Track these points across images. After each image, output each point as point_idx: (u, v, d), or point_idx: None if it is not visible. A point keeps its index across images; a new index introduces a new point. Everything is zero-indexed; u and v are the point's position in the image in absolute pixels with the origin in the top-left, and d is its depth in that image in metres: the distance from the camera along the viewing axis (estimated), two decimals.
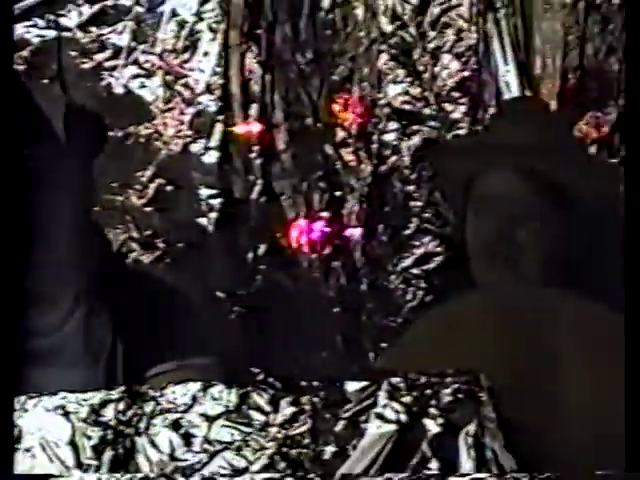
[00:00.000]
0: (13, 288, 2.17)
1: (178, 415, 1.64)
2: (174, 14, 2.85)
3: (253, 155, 2.87)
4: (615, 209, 2.44)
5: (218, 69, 2.85)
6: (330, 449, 1.61)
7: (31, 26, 2.85)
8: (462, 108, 2.89)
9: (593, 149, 2.86)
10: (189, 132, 2.86)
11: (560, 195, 2.33)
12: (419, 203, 2.88)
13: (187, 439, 1.63)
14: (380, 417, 1.62)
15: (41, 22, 2.86)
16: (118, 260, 2.58)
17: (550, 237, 2.34)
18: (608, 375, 1.97)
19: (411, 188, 2.88)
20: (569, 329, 2.08)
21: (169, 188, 2.88)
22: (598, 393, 1.98)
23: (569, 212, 2.35)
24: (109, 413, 1.64)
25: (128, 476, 1.60)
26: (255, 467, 1.60)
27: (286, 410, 1.63)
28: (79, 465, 1.61)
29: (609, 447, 1.87)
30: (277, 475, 1.59)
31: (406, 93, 2.89)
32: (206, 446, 1.63)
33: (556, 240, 2.34)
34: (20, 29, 2.85)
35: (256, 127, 2.87)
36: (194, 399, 1.65)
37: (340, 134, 2.90)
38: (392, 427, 1.61)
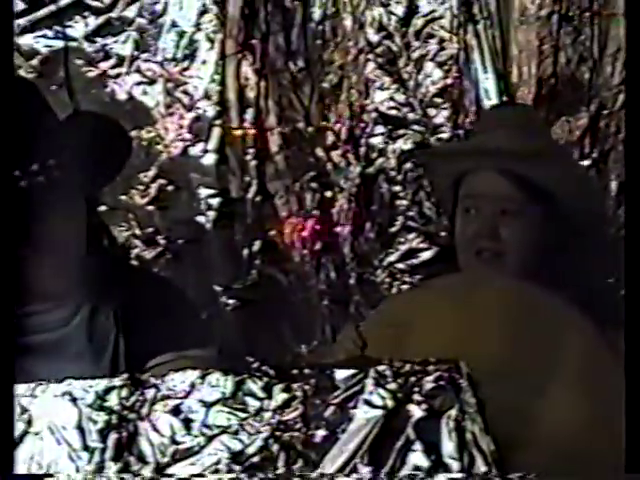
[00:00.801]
0: (22, 287, 2.17)
1: (178, 401, 1.64)
2: (174, 25, 2.85)
3: (248, 157, 2.87)
4: (591, 207, 2.44)
5: (215, 76, 2.85)
6: (320, 433, 1.61)
7: (40, 37, 2.84)
8: (444, 113, 2.89)
9: None
10: (188, 136, 2.86)
11: (541, 195, 2.34)
12: (404, 202, 2.88)
13: (186, 423, 1.62)
14: (367, 403, 1.61)
15: (49, 33, 2.85)
16: (121, 259, 2.57)
17: (532, 233, 2.35)
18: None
19: (397, 188, 2.89)
20: (534, 319, 2.06)
21: (170, 188, 2.88)
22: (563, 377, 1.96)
23: (549, 210, 2.35)
24: (113, 399, 1.64)
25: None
26: (250, 450, 1.60)
27: (279, 396, 1.63)
28: (85, 448, 1.61)
29: (588, 431, 1.87)
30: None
31: (392, 99, 2.89)
32: (204, 430, 1.62)
33: (537, 235, 2.35)
34: (29, 39, 2.84)
35: (251, 131, 2.87)
36: (193, 386, 1.64)
37: (330, 137, 2.90)
38: (379, 412, 1.61)
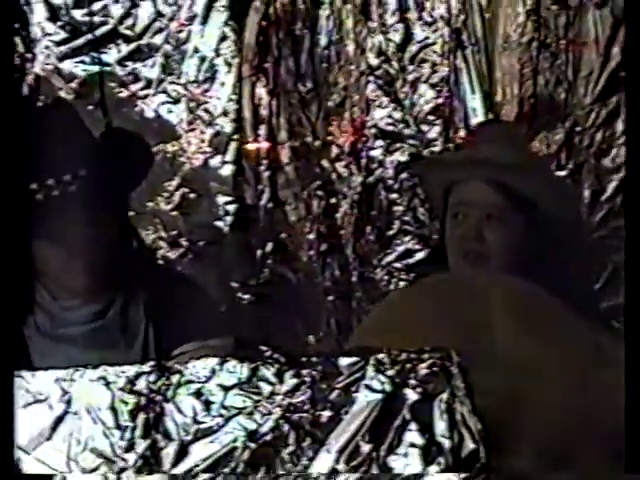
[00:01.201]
0: (62, 284, 2.18)
1: (199, 385, 1.63)
2: (196, 51, 2.85)
3: (262, 168, 2.87)
4: (567, 212, 2.44)
5: (233, 96, 2.85)
6: (326, 414, 1.60)
7: (78, 62, 2.85)
8: (436, 129, 2.88)
9: None
10: (208, 149, 2.86)
11: (524, 202, 2.33)
12: (401, 208, 2.88)
13: (207, 405, 1.62)
14: (368, 387, 1.61)
15: (87, 59, 2.85)
16: (150, 258, 2.57)
17: (515, 237, 2.34)
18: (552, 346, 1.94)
19: (394, 196, 2.88)
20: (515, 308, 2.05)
21: (192, 196, 2.88)
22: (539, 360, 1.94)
23: (530, 215, 2.35)
24: (142, 383, 1.63)
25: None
26: (263, 429, 1.60)
27: (289, 381, 1.62)
28: (118, 426, 1.61)
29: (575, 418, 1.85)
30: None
31: (389, 116, 2.89)
32: (222, 411, 1.62)
33: (520, 239, 2.34)
34: (69, 65, 2.85)
35: (264, 145, 2.87)
36: (213, 372, 1.63)
37: (334, 150, 2.90)
38: (378, 396, 1.60)
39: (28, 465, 1.60)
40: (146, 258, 2.48)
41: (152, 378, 1.64)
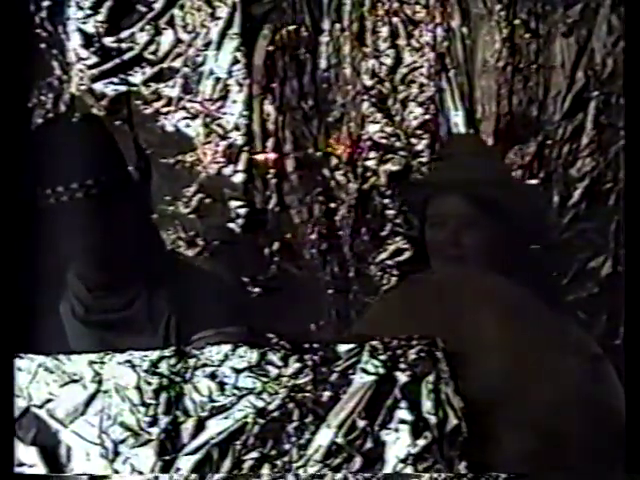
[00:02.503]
0: (96, 277, 2.18)
1: (214, 368, 1.63)
2: (211, 72, 2.84)
3: (269, 176, 2.86)
4: (535, 218, 2.42)
5: (244, 113, 2.84)
6: (326, 394, 1.61)
7: (108, 83, 2.84)
8: (424, 142, 2.88)
9: (519, 172, 2.86)
10: (222, 159, 2.85)
11: (496, 209, 2.32)
12: (392, 212, 2.87)
13: (221, 386, 1.62)
14: (363, 370, 1.61)
15: (115, 80, 2.85)
16: (171, 255, 2.57)
17: (489, 239, 2.32)
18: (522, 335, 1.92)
19: (386, 201, 2.88)
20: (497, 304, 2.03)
21: (207, 200, 2.87)
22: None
23: (502, 221, 2.33)
24: (163, 366, 1.63)
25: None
26: (271, 407, 1.60)
27: (294, 365, 1.63)
28: (143, 403, 1.61)
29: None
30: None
31: (382, 131, 2.89)
32: (235, 391, 1.62)
33: (494, 241, 2.33)
34: (100, 85, 2.84)
35: (272, 155, 2.86)
36: (226, 356, 1.63)
37: (334, 161, 2.89)
38: (372, 378, 1.61)
39: (65, 436, 1.60)
40: (169, 256, 2.47)
41: (172, 361, 1.64)
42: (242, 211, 2.85)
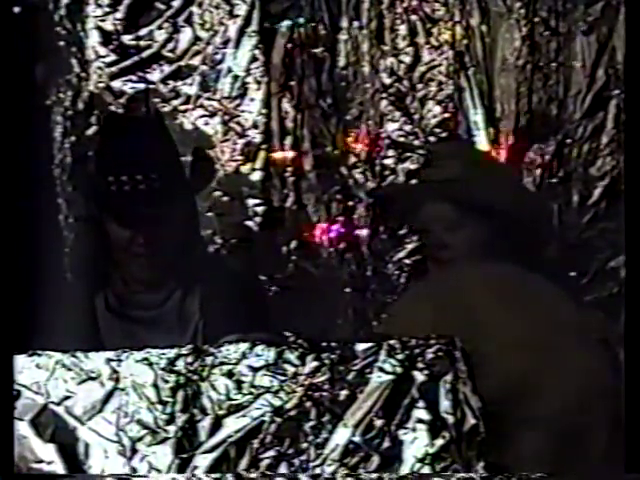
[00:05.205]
0: (130, 276, 2.19)
1: (231, 366, 1.63)
2: (230, 70, 2.85)
3: (287, 174, 2.86)
4: (519, 217, 2.36)
5: (262, 111, 2.85)
6: (344, 393, 1.60)
7: (127, 81, 2.85)
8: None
9: (538, 171, 2.86)
10: (240, 157, 2.86)
11: (482, 211, 2.29)
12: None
13: (238, 384, 1.62)
14: (381, 369, 1.61)
15: (134, 77, 2.86)
16: (211, 256, 2.58)
17: (476, 238, 2.30)
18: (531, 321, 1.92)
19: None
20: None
21: (225, 198, 2.87)
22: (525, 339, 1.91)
23: (486, 220, 2.30)
24: (181, 364, 1.63)
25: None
26: (288, 405, 1.60)
27: (311, 364, 1.62)
28: (160, 401, 1.61)
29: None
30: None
31: (401, 129, 2.88)
32: (252, 390, 1.62)
33: (482, 239, 2.30)
34: (119, 83, 2.85)
35: (290, 154, 2.87)
36: (243, 355, 1.63)
37: (352, 159, 2.89)
38: (390, 377, 1.60)
39: (83, 433, 1.60)
40: (204, 256, 2.48)
41: (190, 360, 1.64)
42: (260, 209, 2.85)
